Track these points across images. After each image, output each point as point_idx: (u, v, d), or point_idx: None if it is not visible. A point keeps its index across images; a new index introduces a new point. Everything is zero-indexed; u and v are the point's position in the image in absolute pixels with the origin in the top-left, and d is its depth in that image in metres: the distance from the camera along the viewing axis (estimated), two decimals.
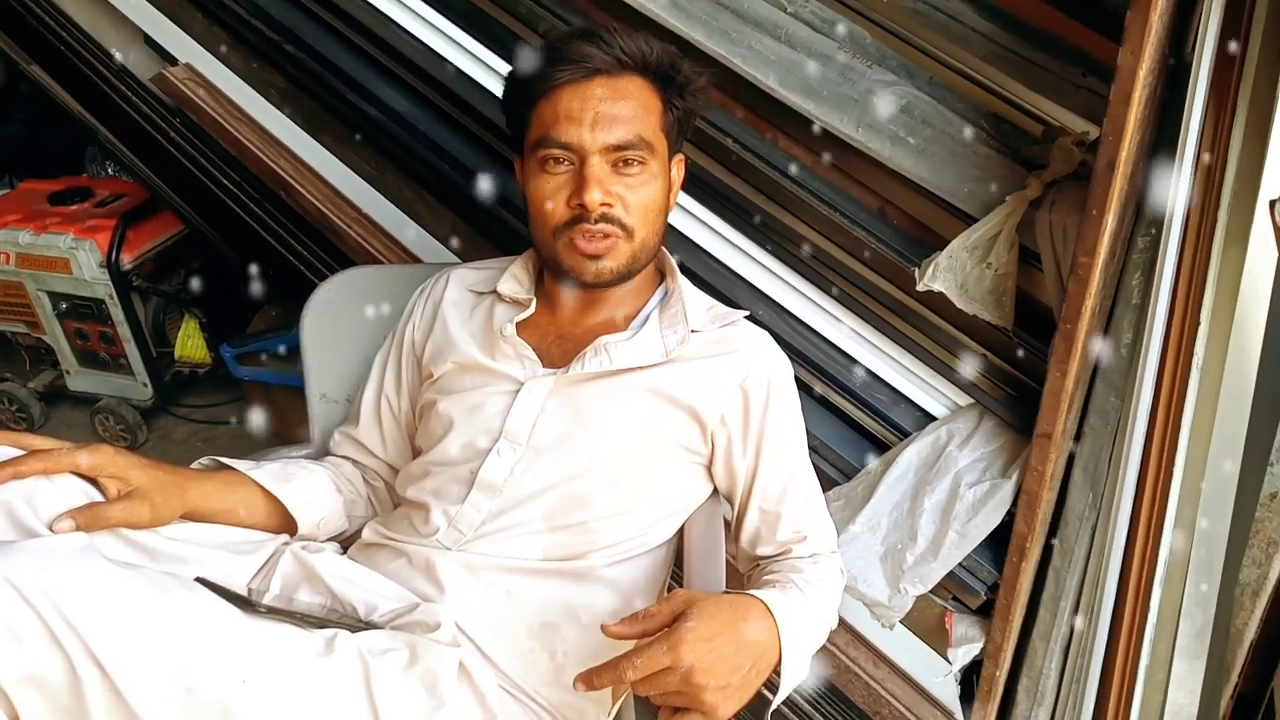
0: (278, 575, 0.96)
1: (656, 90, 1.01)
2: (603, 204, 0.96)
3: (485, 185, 1.43)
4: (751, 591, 0.87)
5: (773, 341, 1.09)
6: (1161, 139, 1.14)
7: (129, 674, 0.68)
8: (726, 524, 1.08)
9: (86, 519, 0.84)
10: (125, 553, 0.87)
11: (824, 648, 1.38)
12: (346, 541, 1.10)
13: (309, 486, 1.06)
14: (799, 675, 0.88)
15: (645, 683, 0.76)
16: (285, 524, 1.03)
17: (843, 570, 1.06)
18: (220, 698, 0.72)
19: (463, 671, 0.89)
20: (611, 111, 0.96)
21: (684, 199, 1.33)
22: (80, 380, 2.29)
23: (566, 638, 0.97)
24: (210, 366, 2.28)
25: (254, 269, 1.96)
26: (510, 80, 1.05)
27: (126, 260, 2.11)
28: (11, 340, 2.34)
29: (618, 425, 1.00)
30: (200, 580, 0.81)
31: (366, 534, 1.05)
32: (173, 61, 1.73)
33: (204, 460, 1.04)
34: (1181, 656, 1.18)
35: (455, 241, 1.53)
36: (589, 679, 0.76)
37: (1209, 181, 1.07)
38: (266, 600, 0.92)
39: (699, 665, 0.75)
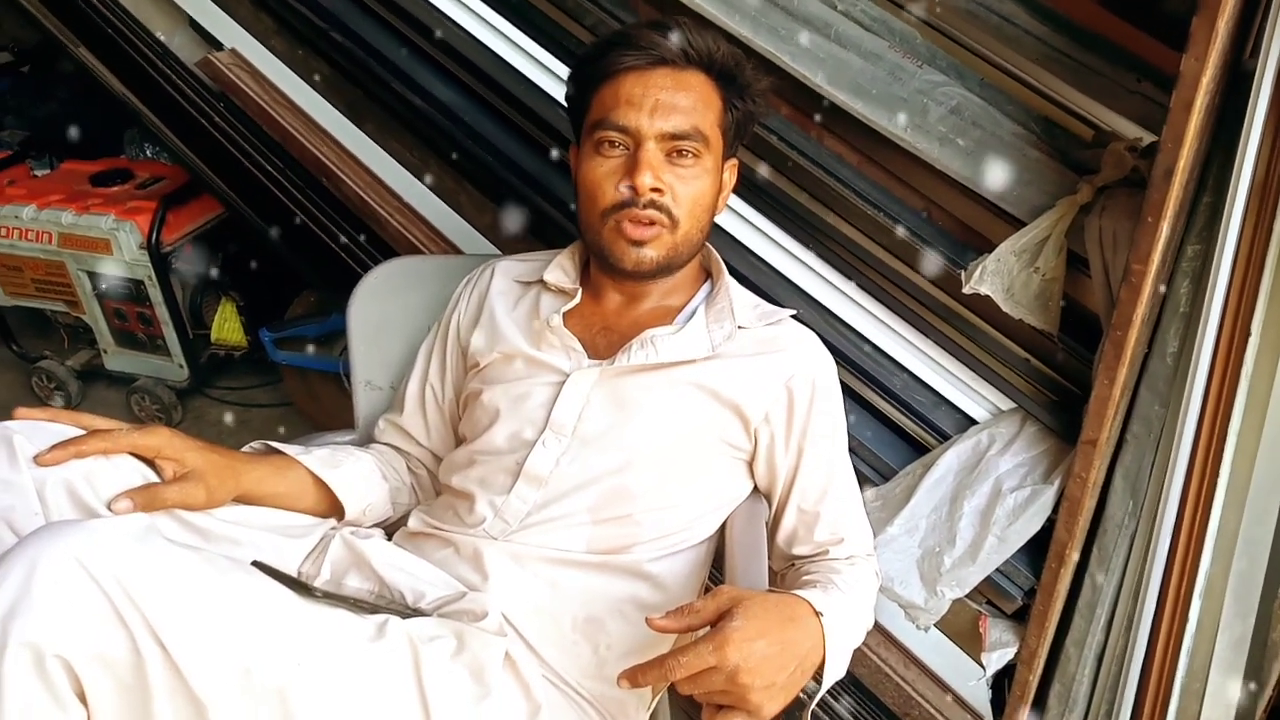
0: (328, 560, 0.97)
1: (718, 88, 1.01)
2: (653, 188, 0.97)
3: (529, 178, 1.44)
4: (796, 591, 0.88)
5: (819, 341, 1.09)
6: (1216, 146, 1.13)
7: (189, 654, 0.69)
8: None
9: (144, 499, 0.85)
10: (181, 534, 0.88)
11: (856, 648, 1.38)
12: (390, 529, 1.11)
13: (356, 472, 1.07)
14: (837, 675, 0.89)
15: (690, 681, 0.76)
16: (333, 508, 1.05)
17: (878, 573, 1.06)
18: (276, 679, 0.73)
19: (508, 661, 0.91)
20: (671, 100, 0.97)
21: (730, 198, 1.33)
22: (117, 360, 2.32)
23: (610, 631, 0.97)
24: (246, 350, 2.30)
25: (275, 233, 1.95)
26: (577, 63, 1.06)
27: (166, 242, 2.13)
28: (51, 318, 2.37)
29: (662, 419, 1.01)
30: (256, 563, 0.83)
31: (412, 523, 1.07)
32: (218, 46, 1.75)
33: (254, 444, 1.05)
34: (1219, 669, 1.17)
35: (495, 232, 1.54)
36: (634, 676, 0.76)
37: (1265, 190, 1.06)
38: (317, 584, 0.94)
39: (745, 665, 0.75)
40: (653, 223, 0.98)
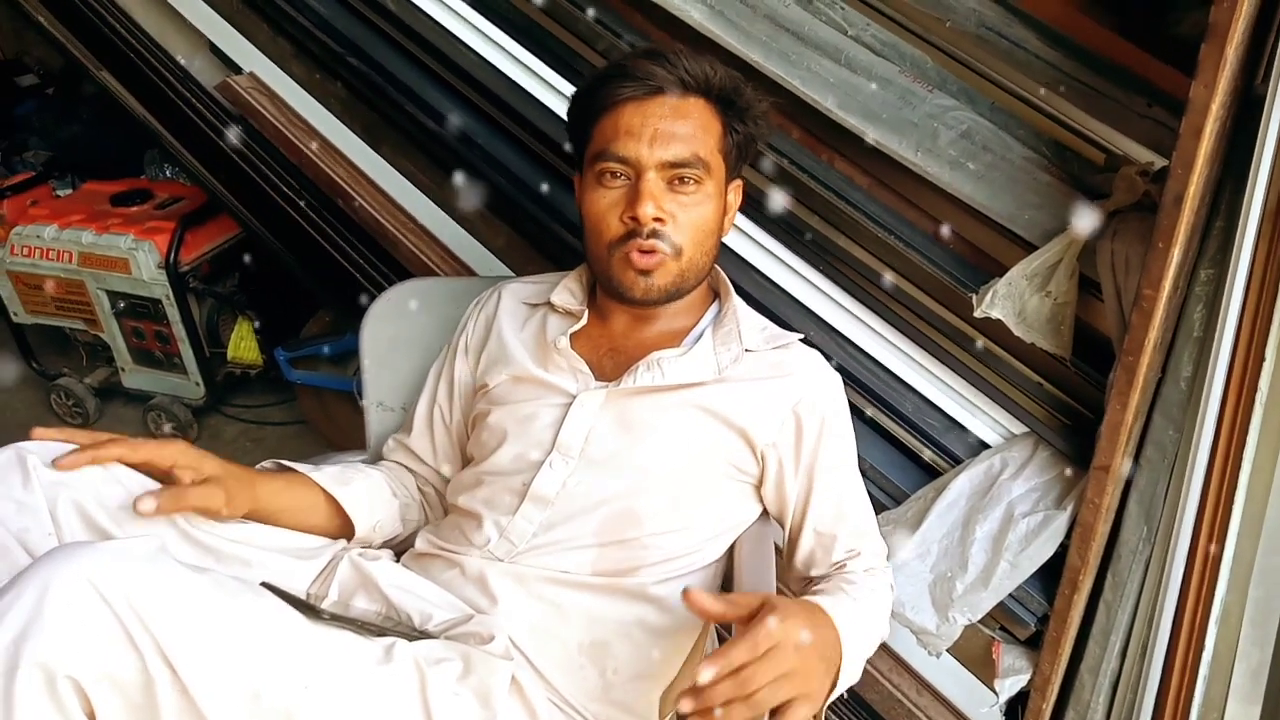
0: (336, 581, 0.98)
1: (718, 113, 1.02)
2: (655, 218, 0.97)
3: (541, 199, 1.45)
4: (809, 599, 0.87)
5: (826, 364, 1.09)
6: (1228, 171, 1.13)
7: (199, 676, 0.70)
8: (777, 547, 1.08)
9: (167, 501, 0.86)
10: (193, 555, 0.89)
11: (868, 672, 1.37)
12: (399, 548, 1.11)
13: (367, 490, 1.08)
14: (852, 680, 0.88)
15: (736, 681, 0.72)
16: (344, 526, 1.06)
17: (892, 586, 1.05)
18: (284, 702, 0.73)
19: (514, 684, 0.90)
20: (671, 129, 0.98)
21: (739, 219, 1.34)
22: (135, 378, 2.34)
23: (617, 655, 0.97)
24: (261, 368, 2.31)
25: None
26: (576, 94, 1.07)
27: (184, 262, 2.15)
28: (70, 336, 2.40)
29: (669, 442, 1.01)
30: (265, 585, 0.83)
31: (419, 544, 1.07)
32: (237, 70, 1.77)
33: (266, 463, 1.06)
34: (1236, 698, 1.16)
35: (508, 255, 1.55)
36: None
37: (1279, 216, 1.05)
38: (325, 606, 0.94)
39: (796, 670, 0.74)
40: (655, 251, 0.99)
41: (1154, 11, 1.21)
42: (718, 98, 1.02)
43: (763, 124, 1.06)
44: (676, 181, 0.99)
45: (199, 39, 1.82)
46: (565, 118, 1.09)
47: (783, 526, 1.07)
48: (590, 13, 1.39)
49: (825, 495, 1.03)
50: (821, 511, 1.03)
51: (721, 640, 1.33)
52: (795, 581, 1.08)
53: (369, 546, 1.08)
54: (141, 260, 2.13)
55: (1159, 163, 1.12)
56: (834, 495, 1.04)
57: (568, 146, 1.41)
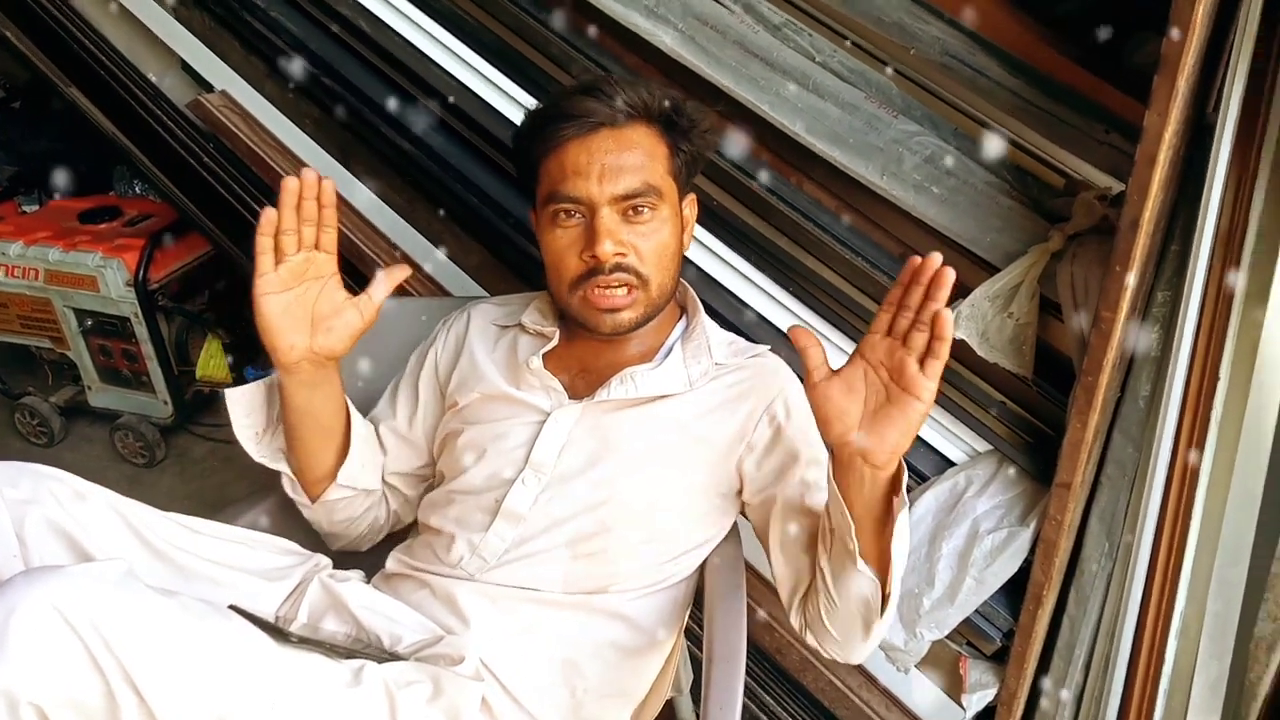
0: (305, 603, 0.98)
1: (662, 136, 1.03)
2: (616, 254, 0.98)
3: (512, 218, 1.46)
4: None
5: (786, 366, 1.09)
6: (1183, 196, 1.16)
7: (164, 701, 0.70)
8: (750, 567, 1.09)
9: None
10: (163, 573, 0.89)
11: (837, 689, 1.39)
12: (369, 569, 1.11)
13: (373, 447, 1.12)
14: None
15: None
16: (340, 456, 1.07)
17: None
18: None
19: (484, 705, 0.91)
20: (618, 163, 0.98)
21: (709, 239, 1.35)
22: (101, 396, 2.32)
23: (587, 674, 0.98)
24: (231, 386, 2.29)
25: None
26: (516, 138, 1.08)
27: (153, 280, 2.14)
28: (35, 355, 2.37)
29: (642, 455, 1.02)
30: (233, 608, 0.83)
31: (390, 564, 1.07)
32: (209, 88, 1.77)
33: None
34: (1196, 710, 1.18)
35: (482, 274, 1.56)
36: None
37: (1230, 240, 1.09)
38: (294, 628, 0.94)
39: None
40: (626, 286, 0.99)
41: (1111, 42, 1.25)
42: (659, 121, 1.02)
43: (708, 138, 1.07)
44: (631, 212, 0.99)
45: (171, 56, 1.82)
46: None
47: (769, 533, 1.01)
48: (562, 37, 1.41)
49: (811, 459, 1.00)
50: (805, 475, 1.00)
51: (694, 660, 1.35)
52: (805, 546, 0.99)
53: (346, 492, 1.08)
54: (110, 278, 2.11)
55: (1116, 187, 1.15)
56: (820, 457, 1.00)
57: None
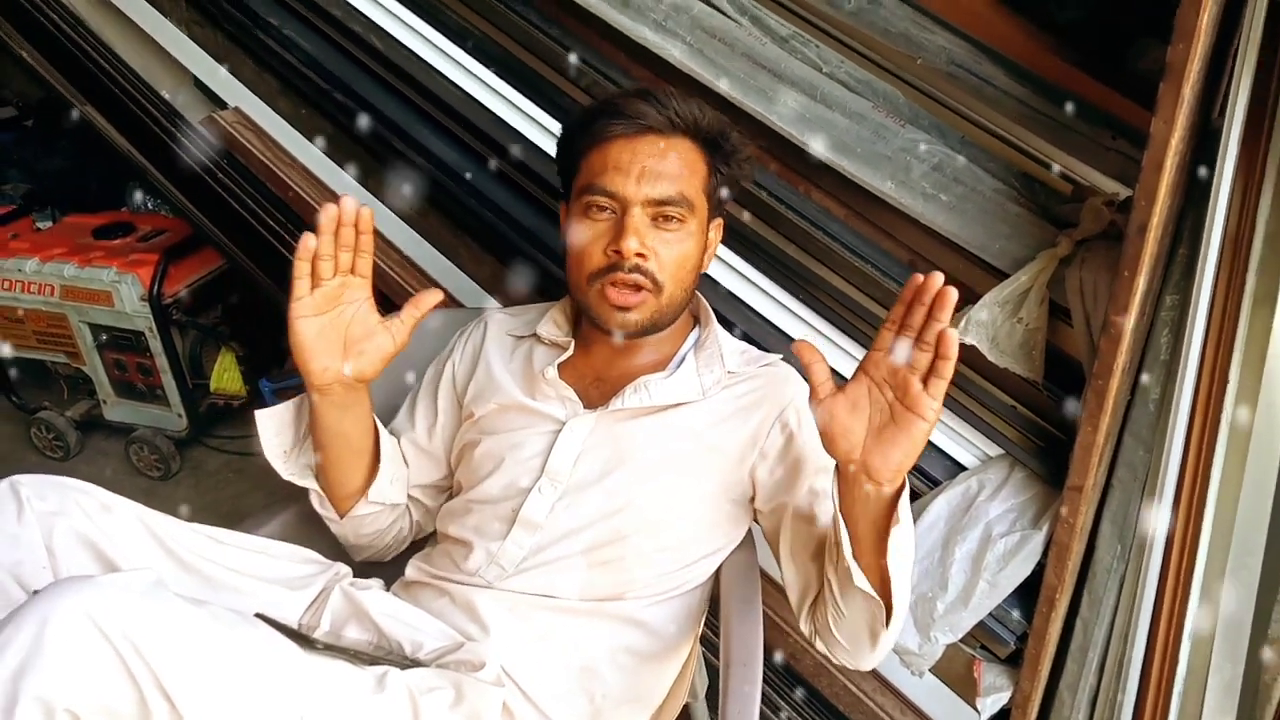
0: (328, 611, 0.99)
1: (704, 154, 1.05)
2: (638, 254, 1.00)
3: (525, 230, 1.48)
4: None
5: (798, 375, 1.10)
6: (1190, 199, 1.17)
7: (196, 708, 0.71)
8: (764, 574, 1.10)
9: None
10: (189, 584, 0.90)
11: (851, 693, 1.39)
12: (389, 578, 1.12)
13: (399, 463, 1.14)
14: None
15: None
16: (370, 474, 1.10)
17: None
18: None
19: (505, 711, 0.92)
20: (658, 167, 1.01)
21: (720, 249, 1.37)
22: (116, 410, 2.34)
23: (605, 680, 0.99)
24: (245, 399, 2.31)
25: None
26: (567, 127, 1.10)
27: (167, 294, 2.16)
28: (50, 369, 2.39)
29: (656, 463, 1.03)
30: (259, 616, 0.84)
31: (409, 572, 1.08)
32: (222, 105, 1.79)
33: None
34: (1211, 712, 1.18)
35: (494, 285, 1.57)
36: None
37: (1238, 243, 1.09)
38: (317, 636, 0.95)
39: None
40: (638, 287, 1.01)
41: (1116, 49, 1.26)
42: (705, 139, 1.05)
43: (747, 167, 1.10)
44: (661, 219, 1.01)
45: (184, 74, 1.84)
46: (554, 149, 1.12)
47: (779, 540, 1.02)
48: (574, 51, 1.42)
49: (820, 495, 1.01)
50: (823, 508, 1.00)
51: (709, 666, 1.35)
52: (814, 556, 1.01)
53: (374, 508, 1.10)
54: (125, 293, 2.13)
55: (1124, 193, 1.16)
56: (826, 493, 1.01)
57: (555, 177, 1.44)
